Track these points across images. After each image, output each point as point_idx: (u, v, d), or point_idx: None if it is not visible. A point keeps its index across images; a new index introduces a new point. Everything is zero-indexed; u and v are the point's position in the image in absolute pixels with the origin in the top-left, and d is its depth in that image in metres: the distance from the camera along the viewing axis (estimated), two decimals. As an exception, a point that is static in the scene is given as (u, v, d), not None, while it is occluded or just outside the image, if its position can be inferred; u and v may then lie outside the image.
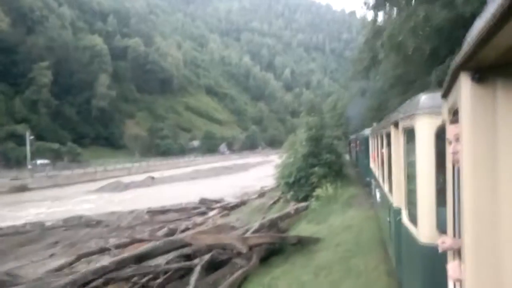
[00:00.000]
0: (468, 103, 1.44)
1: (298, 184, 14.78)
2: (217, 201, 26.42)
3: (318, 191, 13.61)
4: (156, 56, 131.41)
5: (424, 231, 3.42)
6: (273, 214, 11.88)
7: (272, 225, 10.68)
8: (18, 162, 55.52)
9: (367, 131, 13.40)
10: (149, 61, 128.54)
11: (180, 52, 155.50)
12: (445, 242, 2.16)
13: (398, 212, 4.56)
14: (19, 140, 63.66)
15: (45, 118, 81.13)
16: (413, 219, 3.77)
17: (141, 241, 12.14)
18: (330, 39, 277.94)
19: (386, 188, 5.96)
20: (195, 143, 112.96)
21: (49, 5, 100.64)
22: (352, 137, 28.05)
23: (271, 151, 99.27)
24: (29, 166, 48.72)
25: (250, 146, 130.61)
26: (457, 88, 1.58)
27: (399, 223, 4.49)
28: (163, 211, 24.03)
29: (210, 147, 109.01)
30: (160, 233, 14.12)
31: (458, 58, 1.42)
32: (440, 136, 3.08)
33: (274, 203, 18.52)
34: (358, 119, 35.61)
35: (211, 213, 22.41)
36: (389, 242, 5.76)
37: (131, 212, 24.43)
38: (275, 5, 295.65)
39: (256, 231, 9.82)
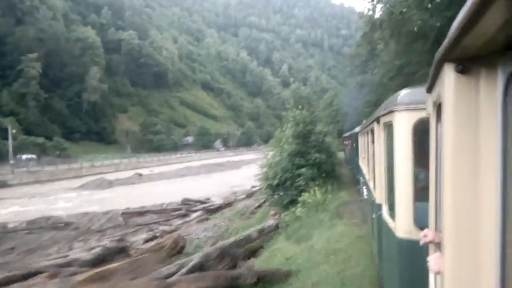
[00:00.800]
0: (451, 94, 1.44)
1: (283, 187, 12.88)
2: (201, 202, 24.54)
3: (304, 196, 11.72)
4: (151, 50, 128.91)
5: (401, 225, 3.41)
6: (228, 240, 8.85)
7: (225, 253, 8.02)
8: (1, 157, 53.30)
9: (357, 129, 12.88)
10: (144, 55, 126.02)
11: (176, 46, 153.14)
12: (427, 235, 2.17)
13: (379, 208, 4.54)
14: (5, 133, 61.54)
15: (34, 111, 78.82)
16: (392, 214, 3.75)
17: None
18: (328, 35, 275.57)
19: (371, 185, 5.91)
20: (189, 139, 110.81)
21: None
22: (346, 135, 27.03)
23: (267, 148, 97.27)
24: (11, 161, 46.58)
25: (246, 142, 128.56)
26: (441, 80, 1.60)
27: (379, 218, 4.46)
28: (141, 212, 22.13)
29: (204, 143, 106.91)
30: (92, 253, 11.25)
31: (441, 49, 1.41)
32: (418, 131, 3.12)
33: (259, 206, 16.66)
34: (355, 116, 34.42)
35: (193, 215, 20.54)
36: (372, 239, 5.73)
37: (106, 213, 22.49)
38: (273, 0, 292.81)
39: (194, 268, 7.19)
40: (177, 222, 19.84)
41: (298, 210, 11.50)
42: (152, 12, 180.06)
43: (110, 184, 38.62)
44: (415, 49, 15.43)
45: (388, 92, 21.80)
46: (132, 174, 48.40)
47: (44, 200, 29.67)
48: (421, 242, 2.22)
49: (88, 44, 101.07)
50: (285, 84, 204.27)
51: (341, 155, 33.51)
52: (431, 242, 2.14)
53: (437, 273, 1.87)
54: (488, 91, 1.31)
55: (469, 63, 1.35)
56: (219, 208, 21.45)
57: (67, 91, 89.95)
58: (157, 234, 13.84)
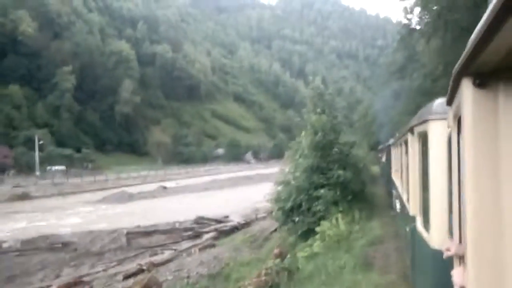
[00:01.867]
0: (470, 108, 1.47)
1: (298, 211, 10.25)
2: (216, 220, 22.14)
3: (323, 226, 9.03)
4: (184, 63, 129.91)
5: (435, 236, 3.41)
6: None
7: None
8: (30, 168, 53.58)
9: (391, 141, 12.24)
10: (177, 68, 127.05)
11: (209, 59, 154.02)
12: (449, 249, 2.17)
13: (413, 219, 4.53)
14: (38, 145, 62.29)
15: (67, 123, 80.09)
16: (426, 225, 3.75)
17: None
18: (364, 45, 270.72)
19: (404, 197, 5.81)
20: (220, 151, 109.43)
21: (78, 10, 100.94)
22: (380, 147, 25.25)
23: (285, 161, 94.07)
24: (37, 173, 46.33)
25: (278, 154, 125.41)
26: (460, 94, 1.63)
27: (414, 230, 4.45)
28: (148, 232, 19.98)
29: (235, 155, 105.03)
30: None
31: (459, 63, 1.44)
32: None
33: (275, 230, 14.02)
34: (391, 127, 32.17)
35: (204, 237, 18.20)
36: (406, 252, 5.60)
37: (113, 232, 20.52)
38: (307, 12, 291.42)
39: None
40: (186, 244, 17.53)
41: (316, 244, 8.82)
42: (186, 27, 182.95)
43: (131, 197, 37.09)
44: (465, 43, 12.49)
45: (430, 97, 18.88)
46: (157, 187, 46.96)
47: (57, 215, 28.32)
48: (444, 256, 2.28)
49: (122, 57, 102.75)
50: (320, 97, 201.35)
51: (376, 170, 30.59)
52: (453, 255, 2.14)
53: (461, 287, 1.85)
54: (507, 104, 1.35)
55: (487, 77, 1.37)
56: (234, 229, 18.97)
57: (100, 104, 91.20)
58: (144, 267, 11.50)
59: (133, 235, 19.39)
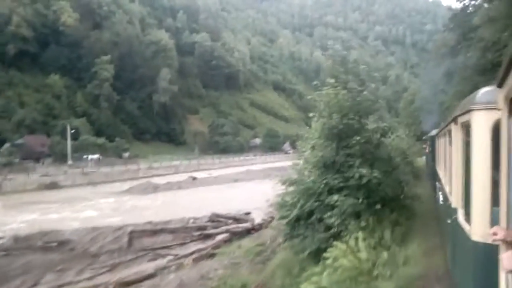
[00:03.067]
0: None
1: (306, 222, 7.46)
2: (233, 218, 19.69)
3: (336, 249, 6.19)
4: (223, 52, 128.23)
5: (477, 229, 3.27)
6: None
7: None
8: (66, 157, 53.87)
9: (434, 131, 12.63)
10: (215, 57, 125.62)
11: (248, 48, 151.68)
12: (496, 233, 2.14)
13: (455, 211, 4.49)
14: (75, 134, 62.95)
15: (106, 112, 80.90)
16: (468, 217, 3.66)
17: None
18: (411, 31, 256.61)
19: (447, 189, 5.71)
20: (257, 140, 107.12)
21: (118, 1, 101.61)
22: (425, 137, 23.52)
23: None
24: (69, 162, 46.21)
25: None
26: None
27: (455, 222, 4.38)
28: (155, 231, 17.84)
29: (272, 145, 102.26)
30: None
31: None
32: (498, 131, 2.70)
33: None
34: (441, 114, 28.87)
35: (217, 239, 15.84)
36: (447, 244, 5.57)
37: (118, 229, 18.58)
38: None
39: None
40: (193, 247, 15.25)
41: (326, 273, 6.03)
42: (227, 15, 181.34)
43: (155, 189, 35.59)
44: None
45: (491, 75, 15.40)
46: (187, 177, 45.41)
47: (74, 207, 27.15)
48: (491, 240, 2.24)
49: (161, 47, 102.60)
50: (362, 84, 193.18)
51: (422, 162, 27.48)
52: (501, 240, 2.12)
53: (510, 271, 1.82)
54: None
55: None
56: (250, 231, 16.43)
57: (139, 93, 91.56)
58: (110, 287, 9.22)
59: (137, 233, 17.33)
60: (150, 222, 20.48)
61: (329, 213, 6.96)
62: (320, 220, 7.28)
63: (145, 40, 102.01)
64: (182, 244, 16.21)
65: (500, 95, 2.11)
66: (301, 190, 7.59)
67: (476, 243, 3.23)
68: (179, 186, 38.01)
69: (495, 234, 2.10)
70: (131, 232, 17.22)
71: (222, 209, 22.66)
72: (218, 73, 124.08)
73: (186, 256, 13.12)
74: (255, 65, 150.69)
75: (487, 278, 2.87)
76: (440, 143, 8.29)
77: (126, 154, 72.75)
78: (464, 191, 4.10)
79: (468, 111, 3.53)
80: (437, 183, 8.91)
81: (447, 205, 5.38)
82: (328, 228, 7.10)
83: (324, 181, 7.14)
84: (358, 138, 6.89)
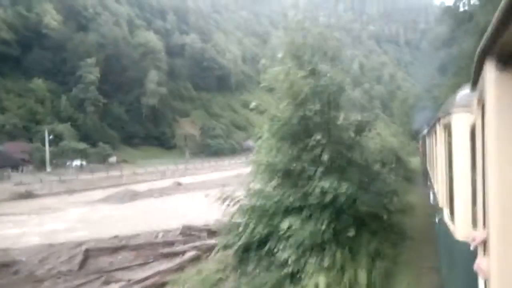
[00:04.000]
0: (493, 92, 1.43)
1: (258, 254, 5.42)
2: (208, 231, 17.58)
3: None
4: (214, 53, 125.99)
5: (460, 228, 3.37)
6: None
7: None
8: (44, 163, 51.47)
9: (425, 130, 12.89)
10: (206, 58, 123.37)
11: (240, 49, 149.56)
12: (475, 238, 2.16)
13: (441, 211, 4.59)
14: (58, 140, 60.59)
15: (93, 117, 78.45)
16: (452, 216, 3.79)
17: None
18: (404, 29, 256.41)
19: (435, 188, 5.77)
20: (250, 142, 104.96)
21: (104, 2, 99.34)
22: (419, 136, 23.13)
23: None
24: (48, 169, 43.88)
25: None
26: (483, 78, 1.59)
27: (441, 221, 4.51)
28: (116, 248, 15.70)
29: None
30: None
31: (481, 45, 1.41)
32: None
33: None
34: (436, 109, 27.03)
35: (186, 256, 13.80)
36: (435, 242, 5.74)
37: (76, 246, 16.48)
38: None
39: None
40: (153, 269, 13.18)
41: None
42: (219, 17, 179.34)
43: (134, 196, 33.41)
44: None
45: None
46: (171, 183, 43.30)
47: (41, 219, 25.00)
48: (472, 246, 2.30)
49: (149, 48, 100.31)
50: (356, 83, 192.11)
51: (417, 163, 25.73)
52: (480, 243, 2.12)
53: (487, 276, 1.83)
54: None
55: (510, 59, 1.31)
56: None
57: (126, 96, 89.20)
58: None
59: (95, 252, 15.22)
60: (116, 237, 18.41)
61: (282, 244, 4.90)
62: (273, 252, 5.22)
63: (133, 42, 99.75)
64: (143, 264, 14.09)
65: (474, 99, 2.15)
66: (250, 208, 5.53)
67: (460, 242, 3.19)
68: (161, 192, 35.87)
69: (473, 240, 2.15)
70: (87, 251, 15.09)
71: (201, 218, 20.60)
72: (209, 74, 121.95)
73: (139, 282, 11.02)
74: (248, 66, 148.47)
75: (470, 275, 2.68)
76: (429, 142, 8.28)
77: (113, 159, 70.45)
78: (448, 190, 4.11)
79: (449, 113, 3.63)
80: (428, 182, 8.96)
81: (435, 204, 5.44)
82: (283, 264, 5.05)
83: (276, 199, 5.08)
84: (318, 137, 4.82)
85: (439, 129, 4.77)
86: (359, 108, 6.99)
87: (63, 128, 65.42)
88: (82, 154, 57.97)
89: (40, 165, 50.21)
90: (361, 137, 5.99)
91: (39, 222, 23.79)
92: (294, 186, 5.08)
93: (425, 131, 14.52)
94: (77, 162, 56.06)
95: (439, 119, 4.72)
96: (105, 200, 33.44)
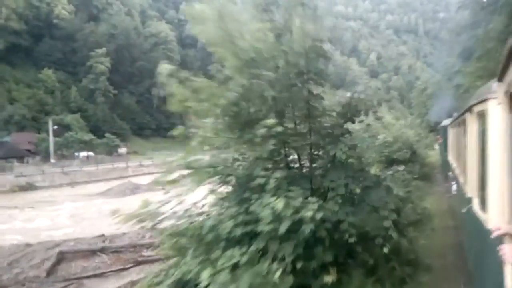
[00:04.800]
0: None
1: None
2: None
3: None
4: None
5: (493, 218, 3.25)
6: None
7: None
8: (56, 154, 50.81)
9: (446, 121, 13.31)
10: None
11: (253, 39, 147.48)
12: (500, 228, 2.24)
13: (469, 201, 4.52)
14: (66, 130, 59.99)
15: (103, 107, 77.78)
16: (483, 206, 3.69)
17: None
18: (424, 19, 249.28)
19: (461, 179, 5.87)
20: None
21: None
22: (438, 128, 22.43)
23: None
24: (52, 160, 43.02)
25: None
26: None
27: (470, 212, 4.42)
28: (94, 251, 14.16)
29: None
30: None
31: None
32: None
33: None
34: (457, 100, 25.92)
35: (171, 261, 12.10)
36: (462, 234, 5.74)
37: (57, 245, 15.04)
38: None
39: None
40: (132, 275, 11.63)
41: None
42: (233, 7, 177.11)
43: (136, 189, 32.12)
44: None
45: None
46: (177, 175, 41.79)
47: (34, 213, 23.78)
48: (494, 235, 2.31)
49: (161, 39, 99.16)
50: (373, 74, 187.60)
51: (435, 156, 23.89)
52: (504, 234, 2.15)
53: None
54: None
55: None
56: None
57: (137, 87, 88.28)
58: None
59: (69, 255, 13.72)
60: (101, 236, 16.93)
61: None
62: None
63: (145, 32, 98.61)
64: (120, 270, 12.53)
65: (500, 89, 2.15)
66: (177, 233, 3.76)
67: (492, 230, 2.97)
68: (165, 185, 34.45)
69: (497, 229, 2.23)
70: (61, 253, 13.60)
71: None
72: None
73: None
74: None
75: (500, 266, 2.69)
76: (454, 133, 8.25)
77: (123, 150, 69.62)
78: (480, 180, 3.97)
79: (484, 100, 3.53)
80: (449, 173, 9.02)
81: (461, 195, 5.52)
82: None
83: (212, 221, 3.28)
84: (271, 121, 2.99)
85: (471, 118, 4.58)
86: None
87: (72, 118, 64.79)
88: (88, 145, 57.18)
89: (46, 156, 49.56)
90: (355, 123, 4.11)
91: (29, 217, 22.58)
92: (241, 201, 3.30)
93: (445, 122, 14.00)
94: (84, 153, 55.24)
95: (470, 108, 4.52)
96: (105, 193, 32.25)
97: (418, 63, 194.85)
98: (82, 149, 55.49)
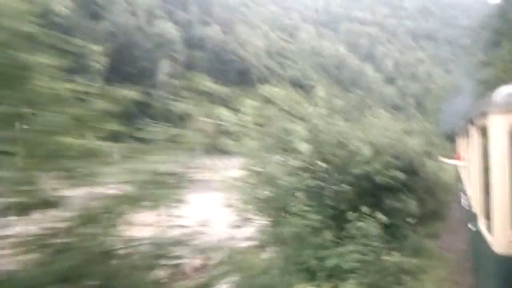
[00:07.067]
0: None
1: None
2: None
3: None
4: (235, 45, 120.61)
5: (499, 240, 3.06)
6: None
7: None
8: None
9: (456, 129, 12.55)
10: (227, 51, 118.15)
11: (266, 43, 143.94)
12: None
13: (475, 217, 4.22)
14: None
15: (97, 108, 74.40)
16: (489, 227, 3.39)
17: None
18: (443, 25, 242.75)
19: (468, 192, 5.58)
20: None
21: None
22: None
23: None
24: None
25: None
26: None
27: (476, 229, 4.10)
28: None
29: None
30: None
31: None
32: None
33: None
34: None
35: None
36: (469, 250, 5.41)
37: None
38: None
39: None
40: None
41: None
42: (246, 10, 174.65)
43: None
44: None
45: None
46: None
47: None
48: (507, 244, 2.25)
49: (165, 39, 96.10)
50: (389, 80, 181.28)
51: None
52: None
53: None
54: None
55: None
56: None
57: (136, 87, 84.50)
58: None
59: None
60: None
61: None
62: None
63: (148, 31, 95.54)
64: None
65: None
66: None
67: (499, 256, 2.94)
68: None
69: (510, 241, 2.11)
70: None
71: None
72: (230, 68, 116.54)
73: None
74: (273, 60, 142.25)
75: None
76: (461, 143, 8.54)
77: (116, 155, 65.72)
78: (483, 197, 3.85)
79: (485, 113, 3.35)
80: (458, 183, 9.14)
81: (469, 209, 5.14)
82: None
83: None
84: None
85: (472, 130, 4.31)
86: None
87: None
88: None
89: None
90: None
91: None
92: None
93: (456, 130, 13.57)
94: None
95: (471, 120, 4.21)
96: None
97: (436, 70, 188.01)
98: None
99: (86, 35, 77.98)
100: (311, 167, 8.18)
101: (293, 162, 8.61)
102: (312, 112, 9.42)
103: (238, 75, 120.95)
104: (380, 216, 6.41)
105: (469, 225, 4.72)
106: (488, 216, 3.35)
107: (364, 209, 6.41)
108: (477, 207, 4.15)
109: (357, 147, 9.05)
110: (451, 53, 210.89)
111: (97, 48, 74.74)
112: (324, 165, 8.57)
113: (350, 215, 6.43)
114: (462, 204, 6.50)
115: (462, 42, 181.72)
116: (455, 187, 13.38)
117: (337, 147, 8.70)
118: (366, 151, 9.17)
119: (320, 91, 9.72)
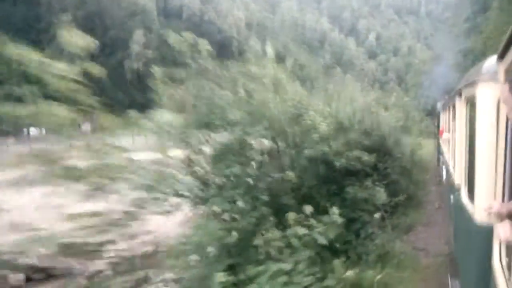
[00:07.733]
0: None
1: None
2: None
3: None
4: (214, 16, 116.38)
5: (481, 210, 3.08)
6: None
7: None
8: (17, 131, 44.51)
9: (439, 104, 12.77)
10: (205, 21, 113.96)
11: (246, 14, 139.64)
12: (492, 207, 2.15)
13: (458, 189, 4.33)
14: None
15: (68, 80, 70.83)
16: (471, 196, 3.51)
17: None
18: (426, 0, 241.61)
19: (451, 164, 5.66)
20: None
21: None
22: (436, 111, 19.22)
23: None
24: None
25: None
26: None
27: (458, 200, 4.25)
28: None
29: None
30: None
31: None
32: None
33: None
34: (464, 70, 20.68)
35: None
36: (450, 222, 5.51)
37: None
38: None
39: None
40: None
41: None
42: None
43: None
44: None
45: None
46: (124, 158, 35.46)
47: None
48: (487, 213, 2.29)
49: (139, 7, 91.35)
50: (372, 55, 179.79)
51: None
52: (497, 213, 2.05)
53: (507, 241, 1.77)
54: None
55: None
56: None
57: (108, 59, 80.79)
58: None
59: None
60: None
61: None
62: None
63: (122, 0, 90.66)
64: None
65: (500, 68, 2.00)
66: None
67: (480, 225, 3.02)
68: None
69: (490, 208, 2.16)
70: None
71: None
72: (208, 39, 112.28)
73: None
74: (253, 32, 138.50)
75: (488, 265, 2.66)
76: (444, 117, 8.16)
77: (87, 127, 62.88)
78: (467, 167, 3.94)
79: (473, 83, 3.35)
80: (440, 156, 9.38)
81: (451, 181, 5.21)
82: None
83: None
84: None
85: (460, 102, 4.42)
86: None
87: (27, 90, 57.82)
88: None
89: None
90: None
91: None
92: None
93: (439, 105, 13.24)
94: (33, 131, 48.65)
95: (459, 91, 4.37)
96: (19, 181, 25.74)
97: (419, 45, 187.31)
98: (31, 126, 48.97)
99: (53, 1, 73.48)
100: (240, 149, 6.49)
101: (215, 142, 6.90)
102: (255, 74, 7.65)
103: (217, 47, 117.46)
104: (336, 216, 4.90)
105: (451, 198, 4.81)
106: (471, 187, 3.38)
107: (309, 208, 4.86)
108: (460, 178, 4.19)
109: (314, 120, 7.47)
110: (434, 27, 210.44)
111: (65, 17, 70.62)
112: (265, 144, 6.94)
113: (291, 216, 4.86)
114: (443, 179, 6.50)
115: (445, 17, 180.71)
116: (436, 163, 12.95)
117: (286, 121, 7.07)
118: (324, 126, 7.54)
119: (269, 49, 7.72)
